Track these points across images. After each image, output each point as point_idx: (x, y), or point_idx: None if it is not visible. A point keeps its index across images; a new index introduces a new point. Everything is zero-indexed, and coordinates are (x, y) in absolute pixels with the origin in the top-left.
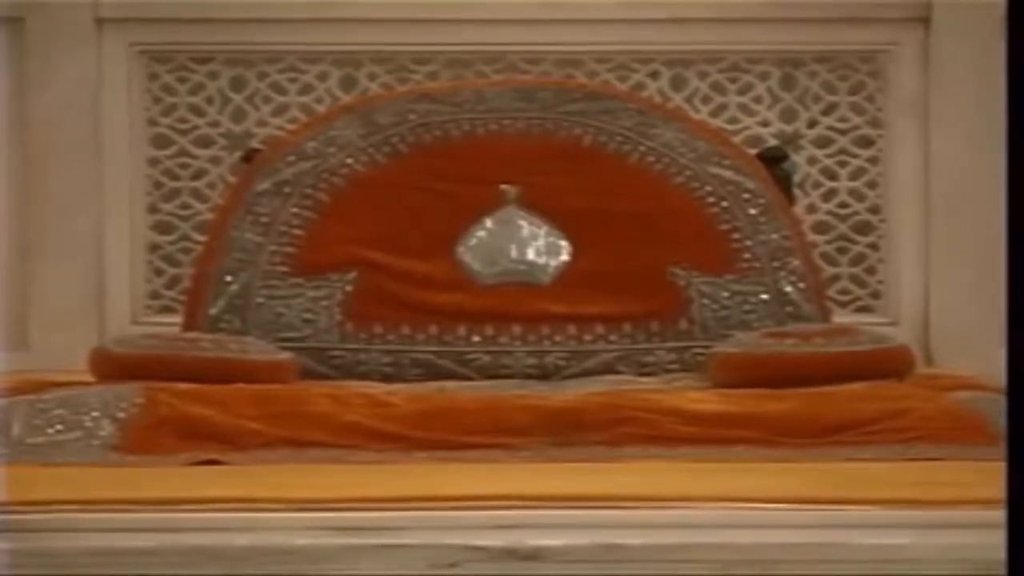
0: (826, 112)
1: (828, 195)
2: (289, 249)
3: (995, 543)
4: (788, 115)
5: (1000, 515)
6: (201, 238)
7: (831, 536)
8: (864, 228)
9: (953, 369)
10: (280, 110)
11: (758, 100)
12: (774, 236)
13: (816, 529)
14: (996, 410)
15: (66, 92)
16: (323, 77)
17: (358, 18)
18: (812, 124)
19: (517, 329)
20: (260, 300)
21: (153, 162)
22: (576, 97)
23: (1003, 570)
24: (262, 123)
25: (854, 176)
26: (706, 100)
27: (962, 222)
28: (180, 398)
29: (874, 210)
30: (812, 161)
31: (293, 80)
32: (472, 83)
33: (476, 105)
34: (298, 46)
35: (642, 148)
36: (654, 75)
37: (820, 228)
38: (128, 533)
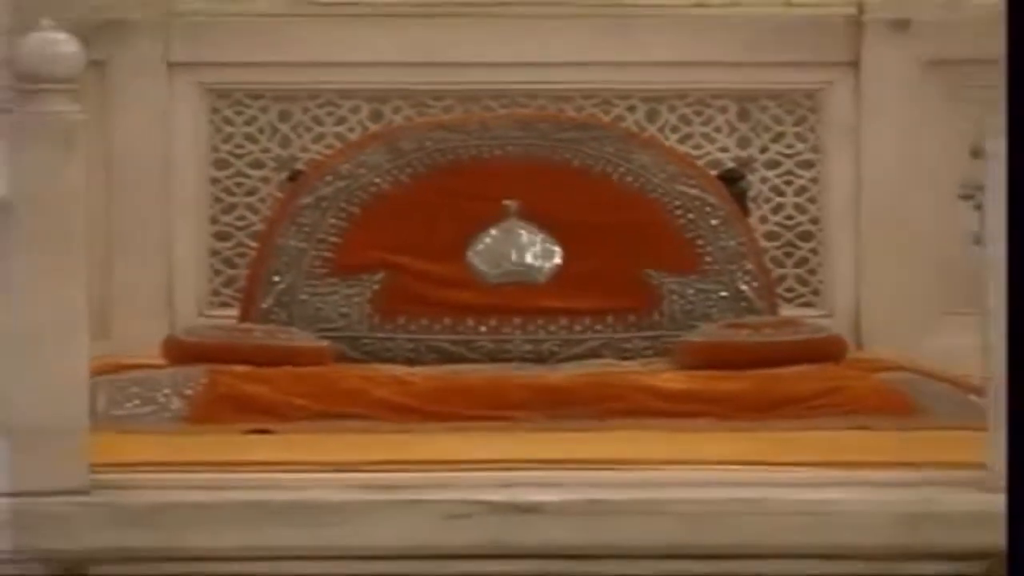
0: (775, 140)
1: (776, 209)
2: (327, 254)
3: (913, 498)
4: (743, 142)
5: (919, 475)
6: (254, 245)
7: (777, 492)
8: (806, 236)
9: (879, 353)
10: (319, 138)
11: (718, 130)
12: (732, 243)
13: (765, 487)
14: (916, 387)
15: (143, 123)
16: (355, 110)
17: (384, 61)
18: (763, 150)
19: (517, 321)
20: (303, 297)
21: (214, 181)
22: (567, 127)
23: (918, 521)
24: (304, 149)
25: (798, 193)
26: (675, 130)
27: (888, 231)
28: (237, 378)
29: (814, 221)
30: (763, 180)
31: (330, 113)
32: (479, 116)
33: (483, 134)
34: (334, 85)
35: (622, 169)
36: (631, 109)
37: (770, 236)
38: (192, 490)
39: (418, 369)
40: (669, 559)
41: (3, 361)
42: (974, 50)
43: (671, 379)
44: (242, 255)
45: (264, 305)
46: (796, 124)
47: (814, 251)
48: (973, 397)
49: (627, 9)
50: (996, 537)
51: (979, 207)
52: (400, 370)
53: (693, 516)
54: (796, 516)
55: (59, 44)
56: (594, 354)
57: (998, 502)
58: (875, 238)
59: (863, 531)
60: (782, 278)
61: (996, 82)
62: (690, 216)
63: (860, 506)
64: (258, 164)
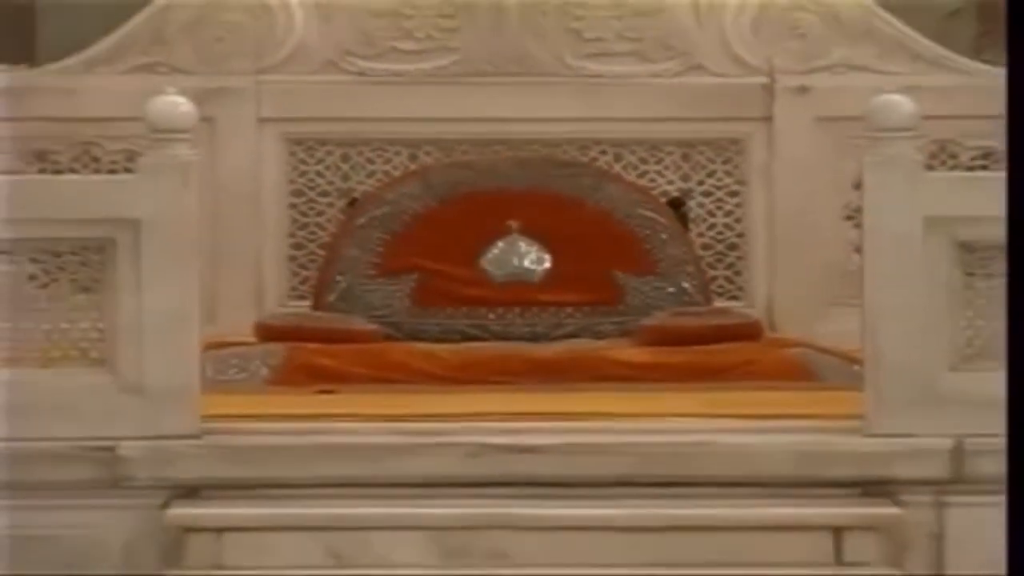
0: (708, 176)
1: (710, 227)
2: (376, 260)
3: (810, 440)
4: (685, 178)
5: (814, 424)
6: (322, 253)
7: (710, 437)
8: (732, 247)
9: (786, 335)
10: (371, 174)
11: (667, 169)
12: (677, 252)
13: (701, 433)
14: (813, 359)
15: (240, 163)
16: (397, 154)
17: (418, 117)
18: (700, 183)
19: (517, 310)
20: (358, 292)
21: (292, 206)
22: (555, 166)
23: (814, 457)
24: (359, 183)
25: (726, 215)
26: (635, 168)
27: (793, 243)
28: (309, 352)
29: (739, 236)
30: (700, 206)
31: (379, 156)
32: (490, 157)
33: (492, 171)
34: (382, 135)
35: (596, 197)
36: (603, 152)
37: (705, 247)
38: (274, 435)
39: (444, 346)
40: (630, 486)
41: (137, 340)
42: (854, 109)
43: (632, 354)
44: (313, 261)
45: (330, 298)
46: (724, 164)
47: (738, 258)
48: (855, 367)
49: (600, 79)
50: (870, 470)
51: (858, 225)
52: (431, 347)
53: (648, 454)
54: (724, 454)
55: (179, 105)
56: (575, 335)
57: (872, 443)
58: (784, 248)
59: (774, 465)
60: (714, 278)
61: (870, 133)
62: (646, 232)
63: (771, 447)
64: (325, 193)
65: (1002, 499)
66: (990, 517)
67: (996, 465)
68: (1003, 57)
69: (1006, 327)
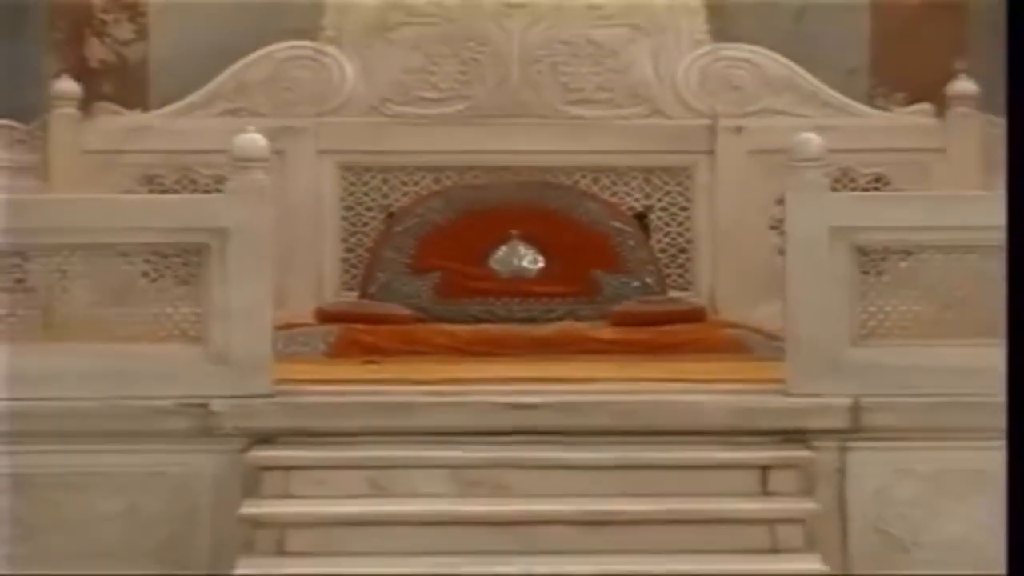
0: (665, 195)
1: (666, 235)
2: (408, 260)
3: (743, 399)
4: (647, 196)
5: (746, 386)
6: (367, 255)
7: (666, 396)
8: (684, 250)
9: (726, 318)
10: (404, 194)
11: (633, 190)
12: (641, 255)
13: (659, 393)
14: (746, 337)
15: (304, 185)
16: (423, 177)
17: (441, 150)
18: (659, 201)
19: (517, 299)
20: (395, 285)
21: (344, 218)
22: (547, 187)
23: (746, 413)
24: (396, 200)
25: (679, 225)
26: (608, 189)
27: (731, 247)
28: (357, 331)
29: (688, 241)
30: (659, 219)
31: (410, 178)
32: (497, 181)
33: (498, 191)
34: (412, 162)
35: (578, 211)
36: (584, 176)
37: (662, 250)
38: (330, 395)
39: (460, 326)
40: (605, 434)
41: (224, 321)
42: (778, 144)
43: (606, 332)
44: (360, 261)
45: (372, 290)
46: (677, 186)
47: (688, 259)
48: (777, 343)
49: (581, 121)
50: (789, 422)
51: (781, 233)
52: (450, 327)
53: (619, 410)
54: (677, 410)
55: (257, 140)
56: (562, 318)
57: (790, 401)
58: (723, 251)
59: (715, 418)
60: (669, 274)
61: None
62: (617, 240)
63: (713, 404)
64: (369, 208)
65: (890, 444)
66: (880, 458)
67: (885, 418)
68: (889, 105)
69: (1006, 327)
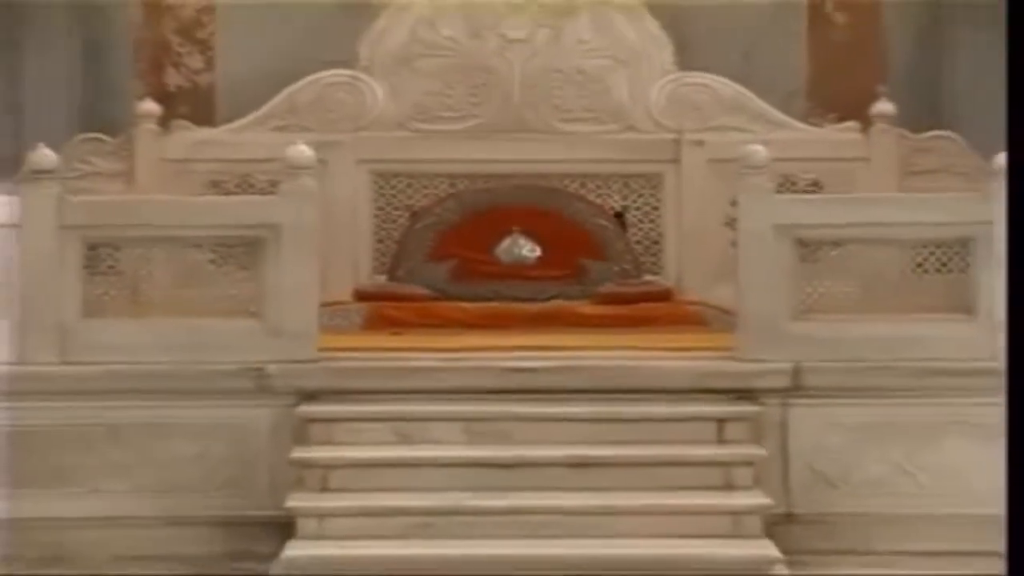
0: (639, 197)
1: (640, 230)
2: (428, 250)
3: (703, 363)
4: (624, 199)
5: (706, 352)
6: (394, 246)
7: (641, 362)
8: (655, 242)
9: (689, 298)
10: (425, 196)
11: (614, 193)
12: (620, 246)
13: (635, 360)
14: (706, 313)
15: (344, 188)
16: (442, 183)
17: (456, 159)
18: (634, 202)
19: (518, 282)
20: (417, 270)
21: (376, 216)
22: (543, 191)
23: (706, 375)
24: (418, 201)
25: (651, 222)
26: (593, 192)
27: (693, 240)
28: (386, 307)
29: (659, 235)
30: (634, 217)
31: (431, 184)
32: (500, 185)
33: (503, 194)
34: (432, 169)
35: (569, 211)
36: (573, 181)
37: (637, 242)
38: (363, 360)
39: (470, 304)
40: (589, 392)
41: (278, 301)
42: (731, 155)
43: (592, 309)
44: (389, 250)
45: (399, 274)
46: (650, 190)
47: (659, 249)
48: (731, 317)
49: (572, 135)
50: (740, 383)
51: (735, 228)
52: (462, 304)
53: (600, 373)
54: (648, 372)
55: (305, 152)
56: (555, 298)
57: (742, 366)
58: (687, 244)
59: (679, 379)
60: (644, 262)
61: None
62: (600, 233)
63: (678, 368)
64: (397, 208)
65: (823, 401)
66: (815, 412)
67: (819, 380)
68: (822, 122)
69: (1006, 326)
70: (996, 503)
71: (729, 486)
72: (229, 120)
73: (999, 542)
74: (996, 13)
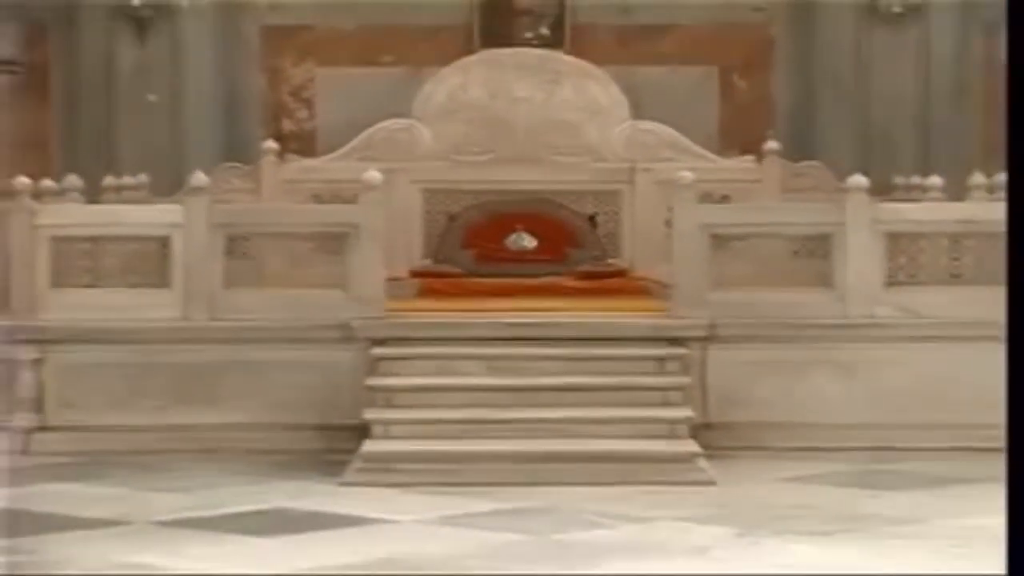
0: (605, 206)
1: (605, 229)
2: (459, 242)
3: (649, 321)
4: (595, 207)
5: (654, 312)
6: (437, 239)
7: (605, 319)
8: (617, 237)
9: (639, 275)
10: (458, 205)
11: (588, 203)
12: (592, 239)
13: (600, 320)
14: (651, 286)
15: (401, 201)
16: (468, 198)
17: (479, 180)
18: (603, 209)
19: (522, 263)
20: (452, 256)
21: (424, 220)
22: (539, 201)
23: (650, 328)
24: (454, 209)
25: (614, 223)
26: (574, 202)
27: (644, 234)
28: (430, 282)
29: (618, 232)
30: (603, 219)
31: (462, 197)
32: (509, 198)
33: (511, 204)
34: (463, 187)
35: (557, 215)
36: (560, 195)
37: (605, 236)
38: (413, 319)
39: (488, 279)
40: (570, 340)
41: (357, 276)
42: (670, 177)
43: (573, 283)
44: (432, 243)
45: (440, 258)
46: (613, 202)
47: (618, 242)
48: (668, 288)
49: (560, 163)
50: (673, 332)
51: (671, 227)
52: (482, 280)
53: (578, 327)
54: (611, 326)
55: (375, 175)
56: (547, 275)
57: (674, 322)
58: (639, 238)
59: (632, 331)
60: (608, 250)
61: (676, 189)
62: (579, 231)
63: (631, 323)
64: (438, 213)
65: (730, 346)
66: (724, 353)
67: (728, 331)
68: (730, 155)
69: (1006, 326)
70: (848, 415)
71: (666, 403)
72: (325, 153)
73: (852, 444)
74: (815, 86)
